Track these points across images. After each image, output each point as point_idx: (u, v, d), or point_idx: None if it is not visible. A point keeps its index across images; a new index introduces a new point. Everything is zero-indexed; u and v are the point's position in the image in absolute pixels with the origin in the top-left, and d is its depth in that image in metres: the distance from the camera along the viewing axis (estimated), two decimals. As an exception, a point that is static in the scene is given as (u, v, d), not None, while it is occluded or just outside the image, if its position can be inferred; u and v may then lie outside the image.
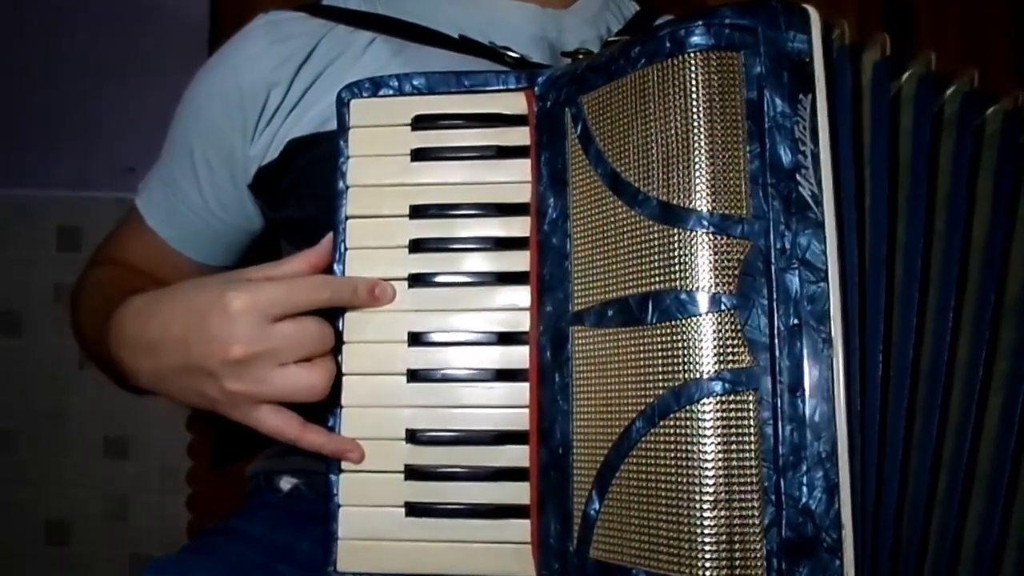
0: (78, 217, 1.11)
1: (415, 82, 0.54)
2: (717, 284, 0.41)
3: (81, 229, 1.11)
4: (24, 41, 1.11)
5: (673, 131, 0.43)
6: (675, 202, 0.43)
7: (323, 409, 0.51)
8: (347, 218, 0.53)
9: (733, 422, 0.40)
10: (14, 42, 1.11)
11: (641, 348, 0.43)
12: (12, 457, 1.12)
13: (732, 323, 0.41)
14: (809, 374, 0.40)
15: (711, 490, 0.39)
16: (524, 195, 0.51)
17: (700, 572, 0.39)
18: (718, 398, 0.40)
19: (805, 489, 0.39)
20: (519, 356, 0.50)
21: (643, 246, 0.43)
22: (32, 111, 1.11)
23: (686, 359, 0.41)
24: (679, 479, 0.40)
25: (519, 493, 0.49)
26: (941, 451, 0.42)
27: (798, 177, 0.42)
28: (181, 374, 0.50)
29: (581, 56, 0.53)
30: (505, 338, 0.50)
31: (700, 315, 0.41)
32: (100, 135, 1.11)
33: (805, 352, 0.40)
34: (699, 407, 0.40)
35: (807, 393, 0.40)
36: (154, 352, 0.51)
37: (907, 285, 0.43)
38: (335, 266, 0.53)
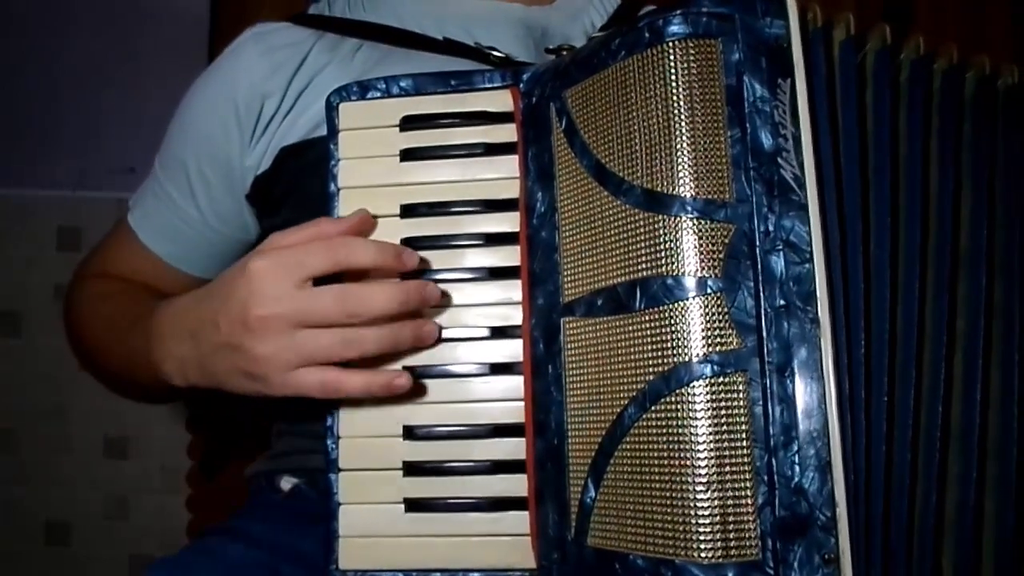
0: (78, 217, 1.11)
1: (402, 84, 0.55)
2: (703, 268, 0.41)
3: (81, 229, 1.11)
4: (24, 41, 1.11)
5: (655, 119, 0.44)
6: (659, 189, 0.43)
7: (320, 408, 0.52)
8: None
9: (723, 404, 0.40)
10: (14, 42, 1.11)
11: (631, 335, 0.43)
12: (12, 457, 1.12)
13: (719, 306, 0.41)
14: (797, 354, 0.41)
15: (704, 472, 0.40)
16: (513, 191, 0.52)
17: (696, 554, 0.39)
18: (708, 380, 0.40)
19: (797, 468, 0.40)
20: (513, 349, 0.50)
21: (629, 234, 0.44)
22: (32, 111, 1.12)
23: (675, 343, 0.41)
24: (672, 462, 0.41)
25: (517, 485, 0.49)
26: (919, 419, 0.43)
27: (780, 160, 0.42)
28: (216, 354, 0.50)
29: (564, 52, 0.54)
30: (498, 332, 0.51)
31: (687, 299, 0.41)
32: (100, 135, 1.11)
33: (792, 333, 0.41)
34: (689, 390, 0.41)
35: (796, 373, 0.41)
36: (195, 336, 0.51)
37: (879, 259, 0.43)
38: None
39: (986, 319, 0.44)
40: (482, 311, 0.51)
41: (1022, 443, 0.44)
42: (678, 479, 0.40)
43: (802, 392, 0.40)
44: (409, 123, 0.54)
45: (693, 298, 0.41)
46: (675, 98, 0.43)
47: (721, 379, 0.40)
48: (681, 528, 0.40)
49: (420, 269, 0.52)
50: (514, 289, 0.51)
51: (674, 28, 0.44)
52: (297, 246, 0.48)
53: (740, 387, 0.40)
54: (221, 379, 0.51)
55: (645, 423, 0.42)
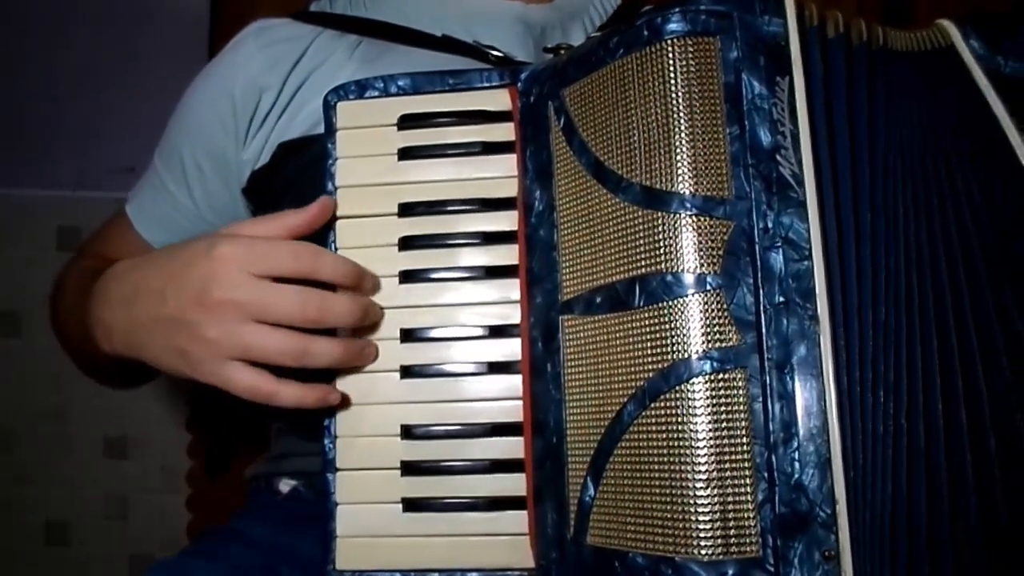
0: (78, 217, 1.11)
1: (400, 83, 0.55)
2: (702, 264, 0.41)
3: (81, 229, 1.11)
4: (24, 41, 1.11)
5: (653, 117, 0.44)
6: (658, 186, 0.43)
7: (318, 410, 0.51)
8: (337, 219, 0.53)
9: (723, 401, 0.40)
10: (13, 43, 1.11)
11: (630, 332, 0.43)
12: (12, 457, 1.12)
13: (718, 302, 0.41)
14: (796, 351, 0.41)
15: (703, 469, 0.40)
16: (511, 189, 0.52)
17: (695, 551, 0.39)
18: (707, 377, 0.40)
19: (797, 465, 0.40)
20: (511, 348, 0.50)
21: (628, 232, 0.44)
22: (32, 111, 1.12)
23: (674, 340, 0.41)
24: (671, 459, 0.40)
25: (516, 484, 0.49)
26: (910, 415, 0.42)
27: (778, 157, 0.42)
28: (154, 326, 0.49)
29: (562, 51, 0.54)
30: (497, 331, 0.51)
31: (686, 296, 0.41)
32: (100, 135, 1.11)
33: (792, 329, 0.41)
34: (688, 387, 0.40)
35: (795, 370, 0.40)
36: (130, 302, 0.51)
37: (863, 255, 0.43)
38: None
39: (935, 310, 0.43)
40: (480, 310, 0.51)
41: (974, 436, 0.42)
42: (678, 476, 0.40)
43: (802, 389, 0.40)
44: (407, 122, 0.54)
45: (692, 295, 0.41)
46: (674, 96, 0.43)
47: (720, 376, 0.40)
48: (681, 525, 0.40)
49: (419, 268, 0.52)
50: (512, 288, 0.51)
51: (672, 26, 0.44)
52: (266, 240, 0.49)
53: (740, 384, 0.40)
54: (147, 351, 0.51)
55: (644, 420, 0.42)
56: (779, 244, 0.42)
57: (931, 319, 0.43)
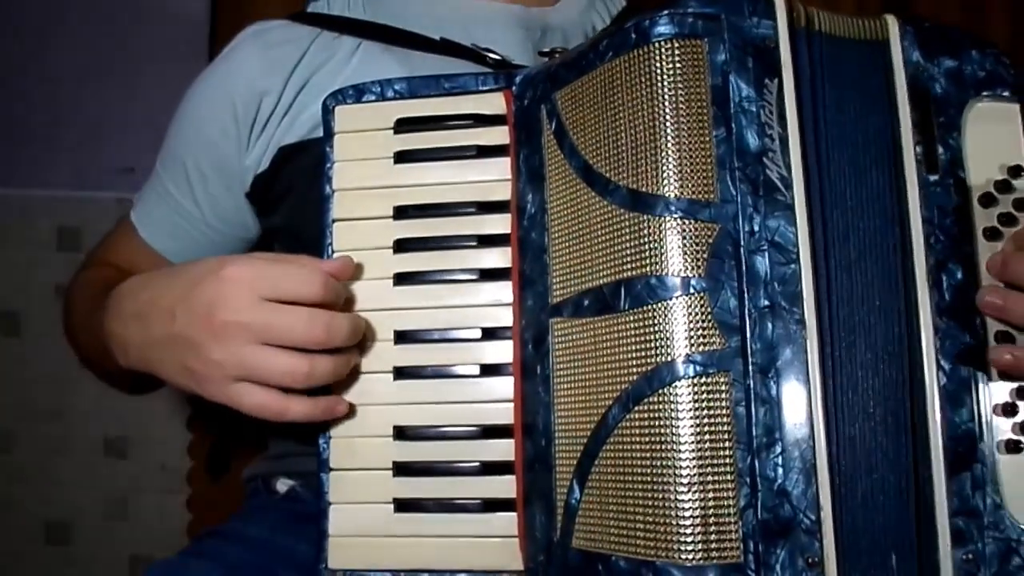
0: (78, 217, 1.12)
1: (396, 87, 0.55)
2: (686, 268, 0.41)
3: (81, 229, 1.12)
4: (24, 41, 1.12)
5: (640, 120, 0.44)
6: (643, 189, 0.43)
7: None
8: (333, 221, 0.54)
9: (705, 404, 0.40)
10: (13, 43, 1.12)
11: (615, 335, 0.43)
12: (12, 457, 1.13)
13: (702, 306, 0.41)
14: (781, 355, 0.40)
15: (685, 473, 0.39)
16: (504, 193, 0.52)
17: (677, 556, 0.39)
18: (690, 381, 0.40)
19: (780, 470, 0.39)
20: (503, 350, 0.50)
21: (615, 234, 0.44)
22: (32, 111, 1.13)
23: (658, 343, 0.41)
24: (654, 463, 0.40)
25: (506, 487, 0.49)
26: (897, 421, 0.41)
27: (765, 160, 0.42)
28: (166, 344, 0.50)
29: (557, 54, 0.54)
30: (489, 333, 0.51)
31: (670, 299, 0.41)
32: (100, 135, 1.12)
33: (777, 333, 0.41)
34: (671, 390, 0.40)
35: (780, 374, 0.40)
36: (143, 320, 0.52)
37: (848, 257, 0.43)
38: (323, 269, 0.53)
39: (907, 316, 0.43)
40: (473, 312, 0.51)
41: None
42: (660, 480, 0.40)
43: (786, 393, 0.40)
44: (403, 125, 0.54)
45: (676, 298, 0.41)
46: (660, 98, 0.43)
47: (703, 379, 0.40)
48: (662, 529, 0.39)
49: (413, 271, 0.52)
50: (505, 290, 0.51)
51: (660, 28, 0.44)
52: (275, 262, 0.49)
53: (723, 387, 0.40)
54: (158, 367, 0.52)
55: (628, 424, 0.42)
56: (765, 247, 0.41)
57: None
